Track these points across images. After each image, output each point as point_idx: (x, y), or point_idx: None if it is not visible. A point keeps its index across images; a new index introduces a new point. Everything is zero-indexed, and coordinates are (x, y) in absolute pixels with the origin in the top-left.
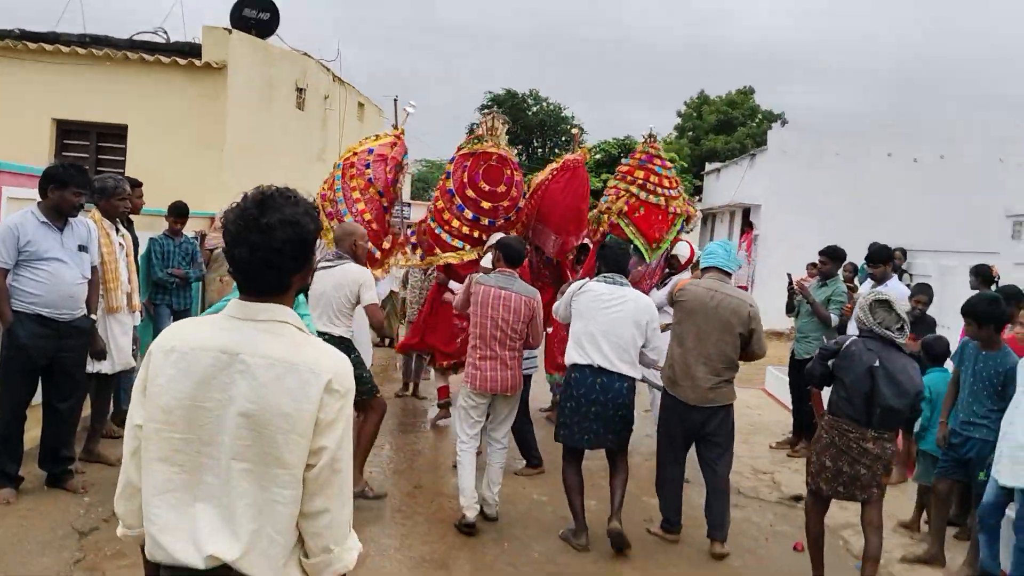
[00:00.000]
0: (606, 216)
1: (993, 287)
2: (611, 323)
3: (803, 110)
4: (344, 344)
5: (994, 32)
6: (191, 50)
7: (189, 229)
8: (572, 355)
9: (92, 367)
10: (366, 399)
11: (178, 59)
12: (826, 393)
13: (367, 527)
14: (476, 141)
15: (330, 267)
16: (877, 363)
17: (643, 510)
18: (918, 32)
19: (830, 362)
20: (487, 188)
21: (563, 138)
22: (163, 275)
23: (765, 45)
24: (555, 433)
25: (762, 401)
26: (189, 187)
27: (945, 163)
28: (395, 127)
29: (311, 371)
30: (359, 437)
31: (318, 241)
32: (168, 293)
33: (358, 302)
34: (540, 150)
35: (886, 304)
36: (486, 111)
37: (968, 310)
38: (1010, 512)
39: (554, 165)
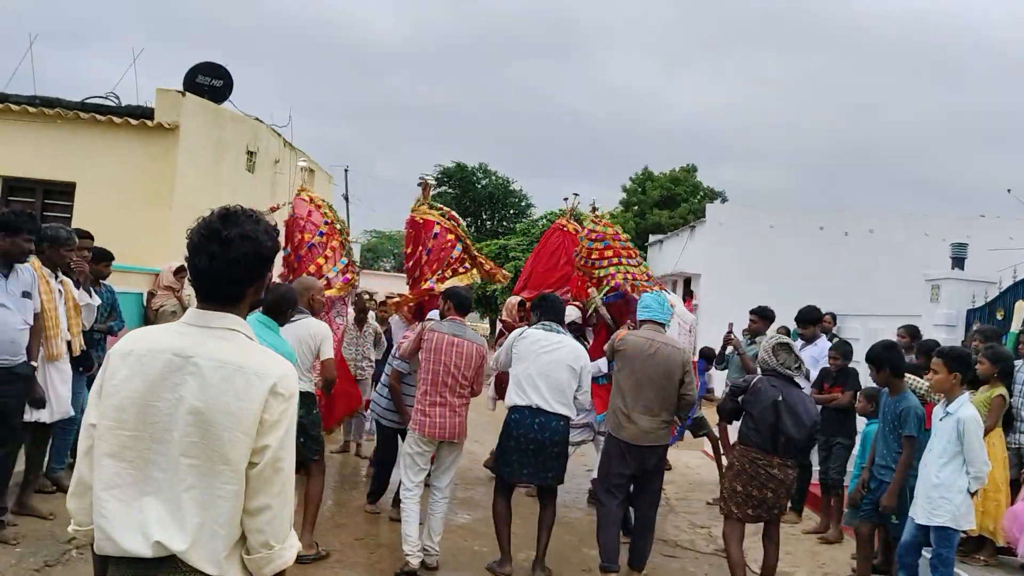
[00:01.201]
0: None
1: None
2: (548, 365)
3: (741, 188)
4: (309, 399)
5: (913, 121)
6: (143, 112)
7: (136, 286)
8: (512, 397)
9: (30, 416)
10: (312, 460)
11: (130, 119)
12: (734, 430)
13: None
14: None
15: (290, 322)
16: (780, 397)
17: (582, 560)
18: (842, 120)
19: (740, 398)
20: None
21: (511, 210)
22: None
23: (698, 128)
24: (496, 469)
25: (701, 461)
26: (136, 244)
27: (874, 237)
28: (345, 197)
29: (257, 374)
30: (306, 499)
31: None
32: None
33: (317, 356)
34: (489, 222)
35: (787, 347)
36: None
37: (868, 356)
38: (927, 552)
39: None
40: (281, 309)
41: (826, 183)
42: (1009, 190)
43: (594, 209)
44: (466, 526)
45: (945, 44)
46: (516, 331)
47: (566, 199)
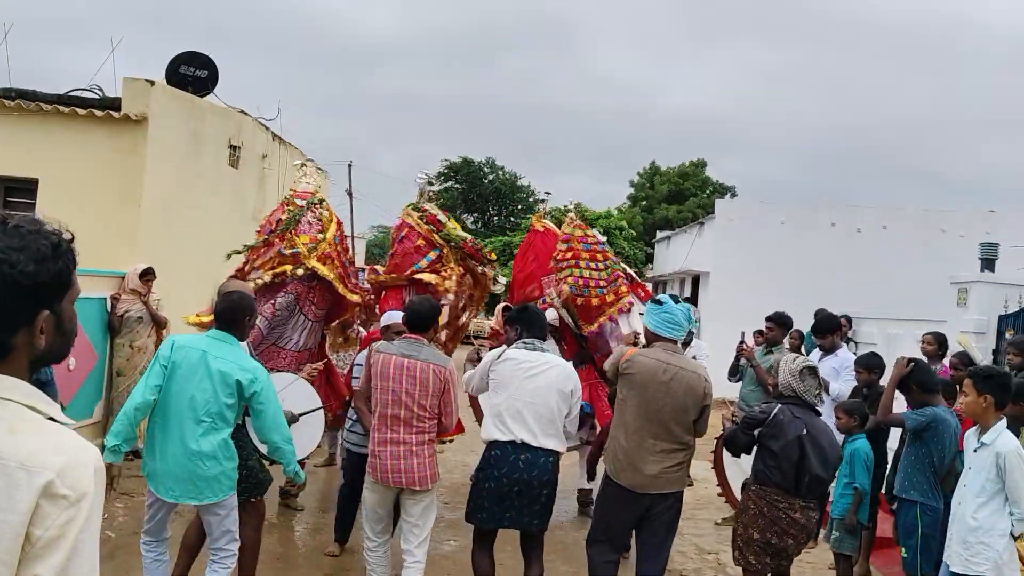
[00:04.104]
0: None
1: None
2: (534, 393)
3: (751, 180)
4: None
5: (916, 109)
6: (110, 104)
7: (101, 290)
8: (491, 431)
9: None
10: (251, 497)
11: (95, 111)
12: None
13: None
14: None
15: None
16: (805, 431)
17: None
18: (845, 110)
19: (756, 431)
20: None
21: (519, 206)
22: None
23: (703, 119)
24: (467, 514)
25: (711, 474)
26: (102, 244)
27: (888, 233)
28: (349, 193)
29: (22, 467)
30: (241, 548)
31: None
32: None
33: None
34: (496, 217)
35: (814, 371)
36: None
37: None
38: None
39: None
40: (236, 320)
41: (834, 172)
42: None
43: (568, 210)
44: (451, 556)
45: (945, 31)
46: (493, 352)
47: (541, 200)
